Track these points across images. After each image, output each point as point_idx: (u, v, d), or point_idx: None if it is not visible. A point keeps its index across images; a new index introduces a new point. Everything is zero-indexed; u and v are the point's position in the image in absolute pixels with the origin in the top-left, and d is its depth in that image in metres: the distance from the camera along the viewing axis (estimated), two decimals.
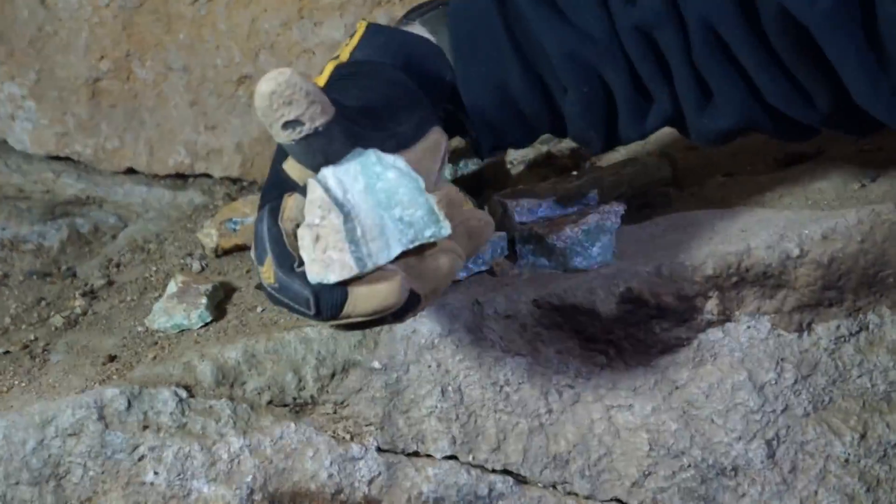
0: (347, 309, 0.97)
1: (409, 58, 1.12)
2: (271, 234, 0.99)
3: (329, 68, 1.10)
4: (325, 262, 0.97)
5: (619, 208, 1.21)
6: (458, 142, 1.33)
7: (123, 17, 1.57)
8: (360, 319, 0.99)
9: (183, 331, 1.23)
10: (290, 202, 1.00)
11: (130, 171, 1.60)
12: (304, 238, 0.98)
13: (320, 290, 0.97)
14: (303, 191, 1.00)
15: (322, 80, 1.08)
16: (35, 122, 1.61)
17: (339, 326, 1.01)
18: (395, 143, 1.03)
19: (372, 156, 1.00)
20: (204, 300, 1.24)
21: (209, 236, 1.38)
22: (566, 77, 1.13)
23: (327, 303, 0.97)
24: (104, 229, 1.55)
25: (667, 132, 1.22)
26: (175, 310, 1.24)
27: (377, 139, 1.02)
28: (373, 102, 1.05)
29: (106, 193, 1.59)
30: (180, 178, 1.59)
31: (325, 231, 0.97)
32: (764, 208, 1.24)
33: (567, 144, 1.43)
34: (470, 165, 1.32)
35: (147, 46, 1.57)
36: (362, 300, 0.97)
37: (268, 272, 0.99)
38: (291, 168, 1.01)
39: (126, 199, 1.58)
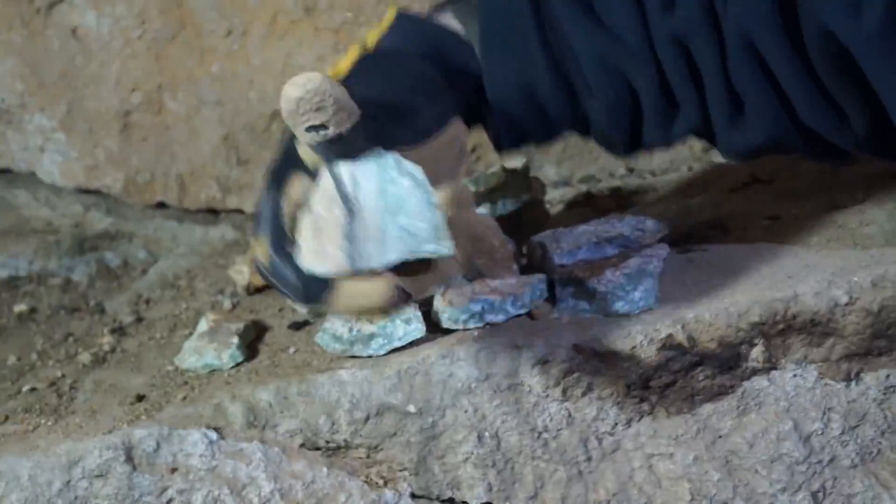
0: (332, 302, 0.99)
1: (437, 49, 1.12)
2: (272, 211, 1.00)
3: (354, 52, 1.10)
4: (320, 254, 0.97)
5: (662, 251, 1.19)
6: (495, 181, 1.31)
7: (156, 50, 1.55)
8: (345, 311, 1.01)
9: (213, 371, 1.21)
10: (297, 183, 1.00)
11: (161, 206, 1.58)
12: (305, 225, 0.98)
13: (309, 278, 0.99)
14: (311, 174, 1.00)
15: (346, 64, 1.08)
16: (65, 154, 1.60)
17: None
18: (413, 135, 1.03)
19: (390, 159, 0.99)
20: (235, 339, 1.22)
21: (240, 273, 1.36)
22: (593, 79, 1.12)
23: (314, 292, 0.99)
24: (134, 264, 1.53)
25: (712, 175, 1.20)
26: (206, 349, 1.22)
27: (396, 132, 1.02)
28: (396, 95, 1.05)
29: (136, 228, 1.58)
30: (211, 213, 1.58)
31: (326, 224, 0.98)
32: (810, 252, 1.21)
33: (607, 184, 1.42)
34: (508, 206, 1.31)
35: (179, 79, 1.56)
36: (348, 296, 0.99)
37: (262, 249, 1.00)
38: (305, 153, 1.01)
39: (156, 233, 1.57)
